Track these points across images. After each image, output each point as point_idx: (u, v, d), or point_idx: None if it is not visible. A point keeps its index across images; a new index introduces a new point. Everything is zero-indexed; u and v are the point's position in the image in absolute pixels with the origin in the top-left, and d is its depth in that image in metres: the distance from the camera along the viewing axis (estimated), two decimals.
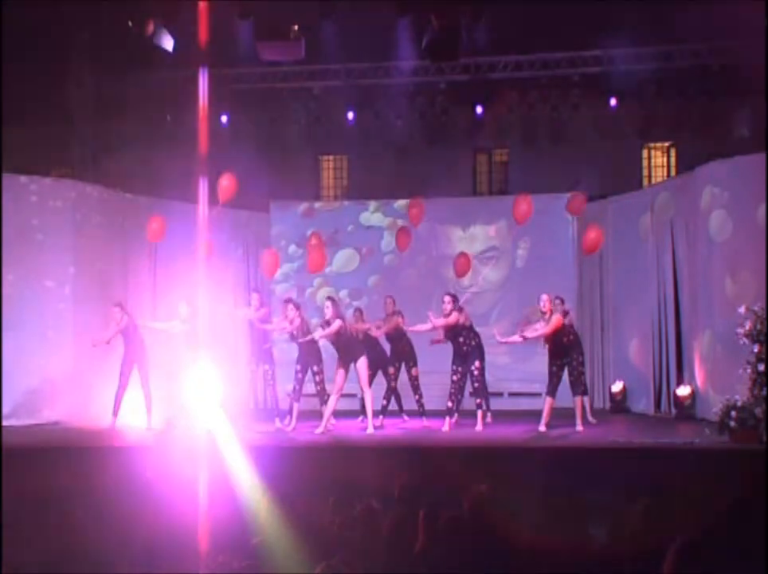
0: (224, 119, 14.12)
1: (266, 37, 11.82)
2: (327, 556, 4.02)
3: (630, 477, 5.27)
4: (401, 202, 14.04)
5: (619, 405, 12.99)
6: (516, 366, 13.89)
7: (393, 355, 11.55)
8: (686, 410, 11.59)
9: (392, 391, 11.56)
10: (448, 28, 11.13)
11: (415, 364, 11.43)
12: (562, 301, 10.93)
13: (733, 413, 8.99)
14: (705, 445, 8.95)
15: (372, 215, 14.71)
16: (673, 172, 14.66)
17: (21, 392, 11.23)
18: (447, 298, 10.64)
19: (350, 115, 14.12)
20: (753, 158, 10.74)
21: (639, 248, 12.97)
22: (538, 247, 13.91)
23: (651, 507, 4.84)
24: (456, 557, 3.97)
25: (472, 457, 8.84)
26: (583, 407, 10.67)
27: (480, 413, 10.64)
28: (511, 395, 13.62)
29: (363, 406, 10.91)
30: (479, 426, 10.51)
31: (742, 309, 9.39)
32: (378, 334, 11.49)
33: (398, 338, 11.46)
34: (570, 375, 10.44)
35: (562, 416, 10.61)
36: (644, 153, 15.01)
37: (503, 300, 14.04)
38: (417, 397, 11.33)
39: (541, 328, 10.33)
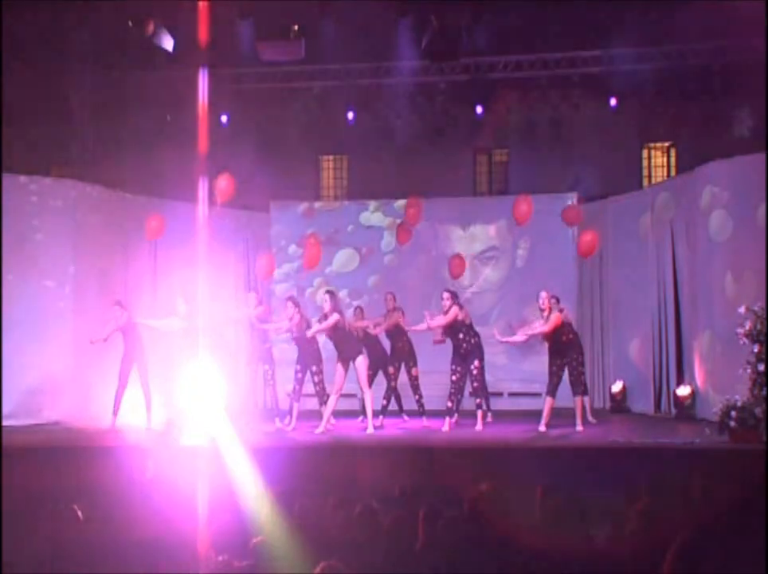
0: (224, 119, 14.11)
1: (266, 37, 11.84)
2: (327, 556, 4.02)
3: (630, 477, 5.27)
4: (401, 202, 14.04)
5: (619, 405, 12.99)
6: (516, 366, 13.89)
7: (393, 354, 11.56)
8: (686, 410, 11.59)
9: (392, 391, 11.56)
10: (448, 28, 11.14)
11: (415, 364, 11.43)
12: (558, 300, 10.90)
13: (733, 413, 8.99)
14: (705, 445, 8.95)
15: (372, 215, 14.71)
16: (673, 172, 14.65)
17: (21, 392, 11.23)
18: (446, 294, 10.63)
19: (350, 115, 14.12)
20: (753, 158, 10.74)
21: (639, 248, 12.97)
22: (538, 247, 13.91)
23: (651, 507, 4.84)
24: (456, 557, 3.97)
25: (472, 457, 8.83)
26: (583, 407, 10.67)
27: (479, 413, 10.64)
28: (511, 395, 13.62)
29: (363, 406, 10.91)
30: (479, 426, 10.51)
31: (742, 309, 9.39)
32: (378, 331, 11.48)
33: (399, 335, 11.45)
34: (570, 375, 10.43)
35: (562, 416, 10.60)
36: (644, 153, 15.00)
37: (503, 300, 14.04)
38: (417, 397, 11.33)
39: (540, 327, 10.33)
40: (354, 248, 14.64)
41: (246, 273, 14.48)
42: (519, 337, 10.67)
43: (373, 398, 10.61)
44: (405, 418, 11.70)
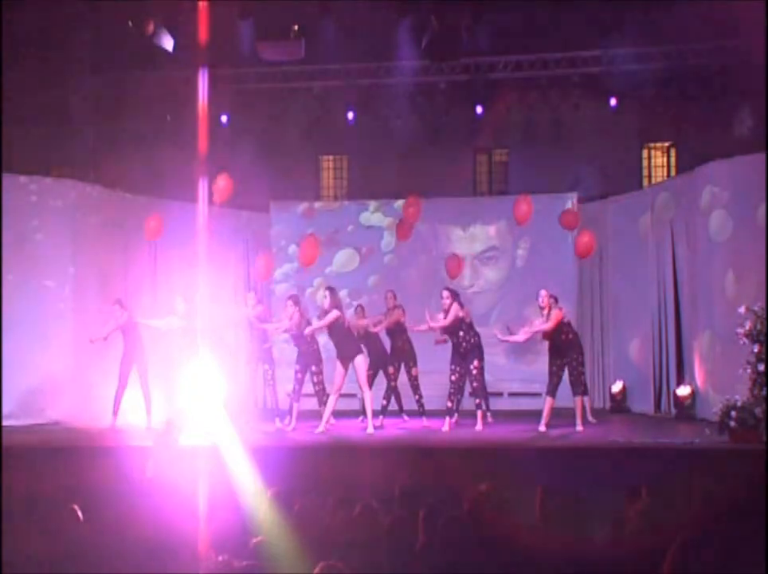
0: (224, 119, 14.11)
1: (266, 37, 11.83)
2: (327, 556, 4.02)
3: (630, 477, 5.27)
4: (401, 202, 14.02)
5: (619, 405, 12.99)
6: (516, 366, 13.89)
7: (393, 353, 11.54)
8: (686, 410, 11.59)
9: (392, 391, 11.56)
10: (448, 28, 11.14)
11: (415, 364, 11.43)
12: (556, 300, 10.88)
13: (733, 413, 8.99)
14: (705, 445, 8.95)
15: (372, 215, 14.70)
16: (673, 172, 14.65)
17: (21, 392, 11.22)
18: (445, 293, 10.61)
19: (350, 115, 14.12)
20: (753, 158, 10.74)
21: (639, 248, 12.97)
22: (538, 247, 13.91)
23: (651, 507, 4.84)
24: (457, 557, 3.97)
25: (472, 457, 8.83)
26: (583, 407, 10.66)
27: (479, 413, 10.64)
28: (511, 395, 13.62)
29: (363, 406, 10.90)
30: (479, 426, 10.50)
31: (742, 309, 9.39)
32: (379, 329, 11.46)
33: (399, 334, 11.43)
34: (570, 375, 10.43)
35: (562, 416, 10.60)
36: (644, 153, 15.00)
37: (503, 300, 14.04)
38: (416, 397, 11.33)
39: (541, 324, 10.31)
40: (354, 248, 14.63)
41: (246, 274, 14.48)
42: (520, 337, 10.67)
43: (372, 398, 10.61)
44: (405, 418, 11.70)
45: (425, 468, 8.46)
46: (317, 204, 15.13)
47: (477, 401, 10.71)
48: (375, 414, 10.89)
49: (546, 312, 10.33)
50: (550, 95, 13.78)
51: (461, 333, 10.55)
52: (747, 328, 9.24)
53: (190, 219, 12.14)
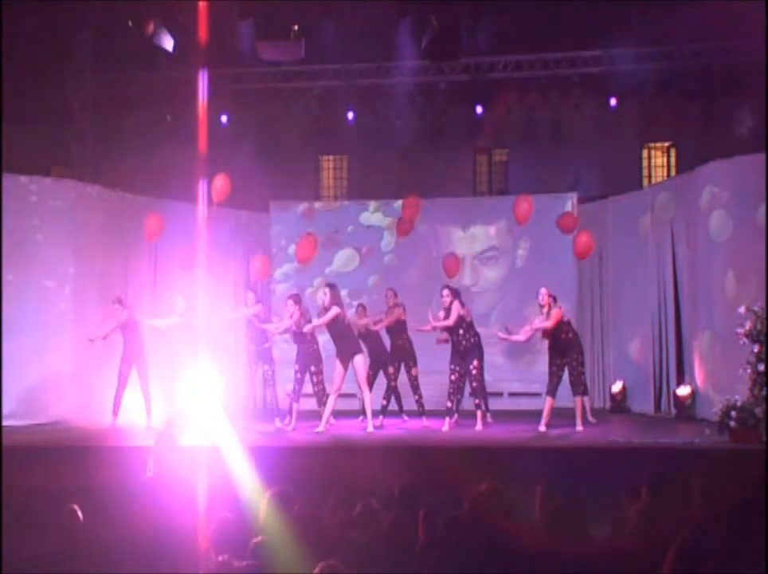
0: (224, 119, 14.12)
1: (266, 37, 11.83)
2: (327, 556, 4.02)
3: (630, 477, 5.27)
4: (401, 202, 14.03)
5: (619, 405, 12.99)
6: (516, 366, 13.89)
7: (393, 352, 11.52)
8: (686, 410, 11.59)
9: (392, 391, 11.55)
10: (448, 28, 11.14)
11: (415, 364, 11.42)
12: (555, 299, 10.88)
13: (733, 413, 8.99)
14: (705, 445, 8.95)
15: (372, 215, 14.70)
16: (673, 172, 14.66)
17: (21, 392, 11.22)
18: (445, 292, 10.60)
19: (350, 115, 14.12)
20: (753, 158, 10.74)
21: (639, 248, 12.97)
22: (538, 247, 13.90)
23: (651, 507, 4.84)
24: (456, 557, 3.97)
25: (472, 457, 8.83)
26: (583, 407, 10.66)
27: (479, 413, 10.63)
28: (511, 395, 13.62)
29: (363, 406, 10.90)
30: (479, 426, 10.50)
31: (742, 309, 9.39)
32: (380, 327, 11.44)
33: (399, 333, 11.40)
34: (570, 375, 10.42)
35: (562, 416, 10.60)
36: (644, 153, 15.01)
37: (503, 300, 14.04)
38: (416, 397, 11.32)
39: (542, 322, 10.29)
40: (354, 248, 14.63)
41: (246, 273, 14.46)
42: (521, 336, 10.66)
43: (372, 397, 10.61)
44: (405, 418, 11.70)
45: (425, 468, 8.45)
46: (317, 204, 15.14)
47: (477, 401, 10.71)
48: (375, 414, 10.89)
49: (545, 310, 10.33)
50: (550, 95, 13.78)
51: (461, 331, 10.54)
52: (747, 328, 9.24)
53: (190, 219, 12.17)
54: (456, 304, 10.46)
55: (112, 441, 9.81)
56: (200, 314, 10.74)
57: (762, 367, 9.09)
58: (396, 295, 11.62)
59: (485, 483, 4.70)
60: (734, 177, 11.04)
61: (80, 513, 4.73)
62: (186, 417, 10.31)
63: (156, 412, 10.89)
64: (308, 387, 11.00)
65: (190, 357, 10.63)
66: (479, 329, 11.09)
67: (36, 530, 4.84)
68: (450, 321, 10.43)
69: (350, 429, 10.95)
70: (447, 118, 14.15)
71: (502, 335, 10.80)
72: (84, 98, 13.73)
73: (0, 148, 12.03)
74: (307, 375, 10.84)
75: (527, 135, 14.19)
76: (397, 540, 4.36)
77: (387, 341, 11.71)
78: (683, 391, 11.73)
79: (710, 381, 11.20)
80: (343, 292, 14.04)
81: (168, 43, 11.87)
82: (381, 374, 11.62)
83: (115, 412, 10.85)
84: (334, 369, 10.41)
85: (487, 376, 11.71)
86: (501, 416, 11.75)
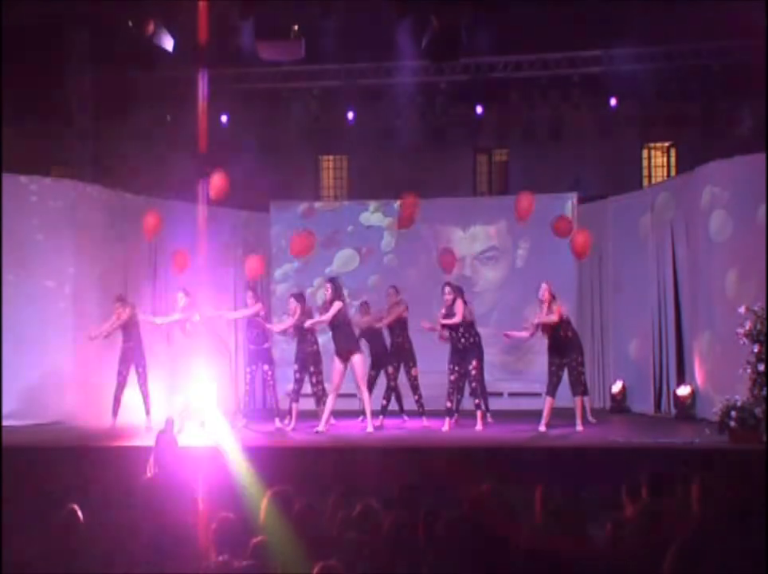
0: (224, 119, 14.11)
1: (266, 37, 11.82)
2: (326, 556, 4.02)
3: (630, 477, 5.27)
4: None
5: (619, 405, 12.99)
6: (516, 366, 13.89)
7: (393, 353, 11.50)
8: (686, 410, 11.59)
9: (391, 391, 11.55)
10: (448, 28, 11.12)
11: (414, 364, 11.40)
12: (554, 297, 10.86)
13: (733, 413, 8.99)
14: (705, 445, 8.95)
15: (372, 215, 14.70)
16: (673, 172, 14.66)
17: (21, 392, 11.22)
18: (447, 289, 10.58)
19: (350, 115, 14.12)
20: (753, 158, 10.74)
21: (639, 248, 12.97)
22: (538, 247, 13.90)
23: (651, 507, 4.84)
24: (456, 557, 3.97)
25: (472, 457, 8.84)
26: (583, 407, 10.66)
27: (479, 413, 10.63)
28: (511, 395, 13.62)
29: (363, 406, 10.89)
30: (479, 426, 10.50)
31: (742, 309, 9.39)
32: (382, 324, 11.41)
33: (400, 330, 11.37)
34: (570, 375, 10.41)
35: (562, 416, 10.60)
36: (644, 153, 15.01)
37: (503, 300, 14.04)
38: (416, 397, 11.30)
39: (546, 316, 10.24)
40: (354, 248, 14.63)
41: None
42: (525, 333, 10.65)
43: (370, 397, 10.61)
44: (405, 418, 11.69)
45: (425, 468, 8.46)
46: (317, 204, 15.14)
47: (477, 401, 10.71)
48: (375, 414, 10.89)
49: (545, 305, 10.31)
50: (550, 95, 13.78)
51: (461, 330, 10.52)
52: (747, 328, 9.24)
53: (190, 219, 12.17)
54: (459, 301, 10.46)
55: (112, 441, 9.81)
56: (200, 313, 10.75)
57: (762, 367, 9.09)
58: (398, 292, 11.58)
59: (485, 483, 4.69)
60: (734, 177, 11.04)
61: (80, 513, 4.73)
62: (186, 417, 10.34)
63: (156, 412, 10.88)
64: (308, 388, 11.00)
65: (190, 357, 10.64)
66: (479, 329, 11.09)
67: (37, 530, 4.84)
68: (458, 318, 10.42)
69: (350, 429, 10.96)
70: (447, 118, 14.15)
71: (508, 333, 10.77)
72: (84, 98, 13.73)
73: (0, 148, 12.03)
74: (307, 376, 10.84)
75: (527, 135, 14.19)
76: (397, 540, 4.36)
77: (388, 340, 11.69)
78: (683, 391, 11.73)
79: (710, 381, 11.20)
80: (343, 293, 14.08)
81: (168, 43, 11.86)
82: (382, 373, 11.61)
83: (115, 412, 10.85)
84: (331, 366, 10.40)
85: (487, 376, 11.71)
86: (501, 416, 11.75)
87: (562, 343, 10.37)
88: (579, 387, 10.50)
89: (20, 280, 11.53)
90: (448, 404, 10.68)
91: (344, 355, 10.24)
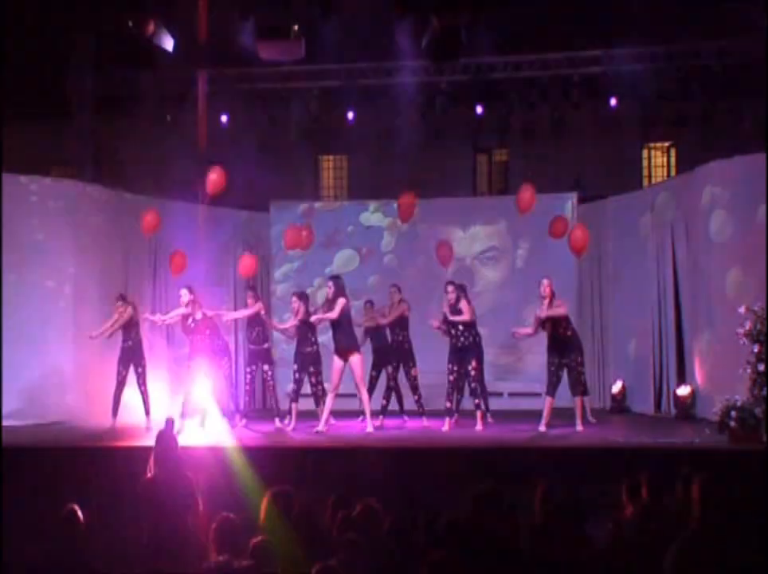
0: (224, 119, 14.12)
1: (266, 37, 11.82)
2: (326, 556, 4.02)
3: (630, 477, 5.27)
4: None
5: (619, 405, 12.98)
6: (516, 366, 13.89)
7: (393, 353, 11.48)
8: (686, 410, 11.58)
9: (391, 391, 11.54)
10: (448, 28, 11.12)
11: (414, 364, 11.39)
12: (554, 294, 10.84)
13: (733, 413, 8.98)
14: (705, 445, 8.95)
15: (372, 215, 14.70)
16: (673, 172, 14.66)
17: (21, 392, 11.22)
18: (450, 287, 10.54)
19: (350, 115, 14.12)
20: (753, 158, 10.74)
21: (639, 248, 12.97)
22: (538, 247, 13.89)
23: (651, 507, 4.84)
24: (457, 557, 3.97)
25: (472, 457, 8.83)
26: (583, 407, 10.66)
27: (479, 413, 10.63)
28: (511, 395, 13.61)
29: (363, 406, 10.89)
30: (479, 426, 10.50)
31: (742, 309, 9.38)
32: (386, 322, 11.39)
33: (401, 329, 11.35)
34: (570, 375, 10.39)
35: (562, 416, 10.60)
36: (644, 153, 15.01)
37: (503, 300, 14.03)
38: (416, 397, 11.30)
39: (553, 309, 10.21)
40: (354, 248, 14.63)
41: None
42: (529, 329, 10.63)
43: (369, 397, 10.60)
44: (406, 418, 11.68)
45: (425, 468, 8.46)
46: (317, 204, 15.13)
47: (477, 401, 10.70)
48: (375, 414, 10.89)
49: (547, 301, 10.29)
50: (550, 95, 13.78)
51: (461, 328, 10.49)
52: (747, 328, 9.24)
53: (190, 219, 12.17)
54: (464, 301, 10.45)
55: (112, 441, 9.81)
56: (203, 312, 10.74)
57: (762, 367, 9.09)
58: (400, 291, 11.56)
59: (485, 483, 4.70)
60: (734, 177, 11.04)
61: (80, 513, 4.73)
62: (186, 417, 10.33)
63: (156, 412, 10.87)
64: (308, 388, 11.00)
65: (190, 357, 10.63)
66: (479, 329, 11.08)
67: (36, 530, 4.84)
68: (466, 317, 10.40)
69: (350, 429, 10.95)
70: (447, 118, 14.15)
71: (516, 330, 10.76)
72: (83, 98, 13.74)
73: (0, 148, 12.03)
74: (306, 376, 10.83)
75: (527, 135, 14.19)
76: (397, 540, 4.36)
77: (390, 339, 11.67)
78: (683, 391, 11.72)
79: (710, 381, 11.20)
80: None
81: (168, 43, 11.86)
82: (383, 373, 11.61)
83: (115, 412, 10.84)
84: (331, 365, 10.39)
85: (487, 376, 11.70)
86: (501, 416, 11.74)
87: (562, 342, 10.35)
88: (579, 388, 10.49)
89: (20, 280, 11.52)
90: (448, 404, 10.68)
91: (343, 354, 10.23)
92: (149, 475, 5.57)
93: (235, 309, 12.76)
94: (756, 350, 9.16)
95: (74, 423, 11.12)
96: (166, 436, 5.81)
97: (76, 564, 4.38)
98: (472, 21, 11.62)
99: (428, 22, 11.34)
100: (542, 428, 10.21)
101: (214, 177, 10.86)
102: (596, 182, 14.26)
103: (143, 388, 10.95)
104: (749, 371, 9.20)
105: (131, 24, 11.67)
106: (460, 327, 10.48)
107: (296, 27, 11.92)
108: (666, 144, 14.87)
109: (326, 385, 10.84)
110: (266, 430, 10.83)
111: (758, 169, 10.47)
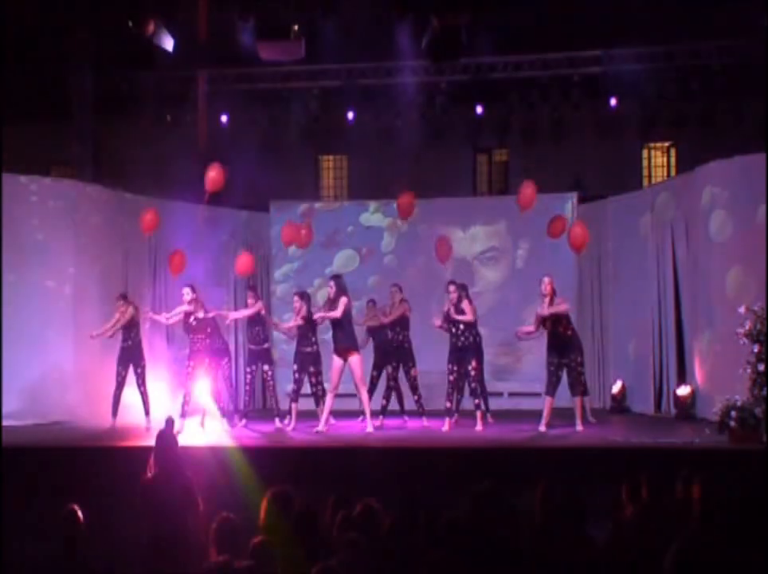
0: (224, 119, 14.12)
1: (266, 37, 11.83)
2: (326, 556, 4.02)
3: (630, 477, 5.27)
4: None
5: (619, 405, 12.98)
6: (516, 366, 13.89)
7: (393, 352, 11.47)
8: (686, 410, 11.58)
9: (391, 391, 11.54)
10: (448, 28, 11.13)
11: (414, 365, 11.38)
12: (554, 292, 10.82)
13: (733, 413, 8.98)
14: (705, 445, 8.95)
15: (372, 215, 14.69)
16: (673, 172, 14.67)
17: (21, 392, 11.22)
18: (452, 287, 10.53)
19: (350, 115, 14.12)
20: (753, 158, 10.74)
21: (639, 248, 12.97)
22: (538, 247, 13.88)
23: (651, 507, 4.84)
24: (457, 557, 3.97)
25: (472, 457, 8.83)
26: (583, 407, 10.66)
27: (479, 413, 10.63)
28: (511, 395, 13.61)
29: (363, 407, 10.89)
30: (479, 426, 10.49)
31: (742, 309, 9.38)
32: (387, 321, 11.39)
33: (402, 329, 11.34)
34: (569, 375, 10.39)
35: (562, 416, 10.60)
36: (644, 153, 15.02)
37: (503, 301, 14.03)
38: (416, 397, 11.30)
39: (555, 306, 10.21)
40: (354, 248, 14.62)
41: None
42: (531, 327, 10.63)
43: (370, 397, 10.60)
44: (406, 418, 11.67)
45: (426, 468, 8.46)
46: (317, 204, 15.13)
47: (477, 401, 10.70)
48: (375, 414, 10.89)
49: (548, 299, 10.29)
50: (550, 95, 13.79)
51: (462, 327, 10.48)
52: (747, 328, 9.23)
53: (189, 219, 12.17)
54: (466, 301, 10.45)
55: (112, 441, 9.81)
56: (205, 311, 10.73)
57: (762, 367, 9.08)
58: (401, 290, 11.55)
59: (485, 483, 4.70)
60: (734, 177, 11.03)
61: (80, 513, 4.73)
62: (186, 416, 10.33)
63: (156, 412, 10.87)
64: (308, 388, 11.00)
65: (190, 357, 10.63)
66: (479, 329, 11.07)
67: (36, 530, 4.84)
68: (469, 317, 10.40)
69: (350, 429, 10.95)
70: (447, 118, 14.16)
71: (519, 329, 10.76)
72: (83, 98, 13.74)
73: (0, 148, 12.03)
74: (306, 376, 10.83)
75: (527, 135, 14.19)
76: (397, 540, 4.36)
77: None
78: (683, 391, 11.72)
79: (710, 381, 11.20)
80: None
81: (168, 43, 11.87)
82: (384, 373, 11.61)
83: (114, 412, 10.84)
84: (330, 367, 10.39)
85: (487, 376, 11.70)
86: (501, 416, 11.75)
87: (562, 341, 10.35)
88: (578, 388, 10.49)
89: (20, 280, 11.52)
90: (448, 404, 10.68)
91: (342, 354, 10.24)
92: (149, 475, 5.57)
93: (235, 309, 12.75)
94: (756, 350, 9.16)
95: (74, 423, 11.12)
96: (166, 436, 5.80)
97: (76, 564, 4.38)
98: (472, 21, 11.63)
99: (428, 22, 11.35)
100: (542, 428, 10.21)
101: (213, 174, 10.84)
102: (596, 182, 14.27)
103: (142, 388, 10.95)
104: (749, 371, 9.19)
105: (131, 24, 11.68)
106: (461, 326, 10.46)
107: (296, 27, 11.94)
108: (666, 144, 14.88)
109: (326, 385, 10.84)
110: (266, 430, 10.83)
111: (758, 169, 10.47)
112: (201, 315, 10.57)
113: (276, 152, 14.35)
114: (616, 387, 13.09)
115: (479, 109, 13.86)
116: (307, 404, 11.23)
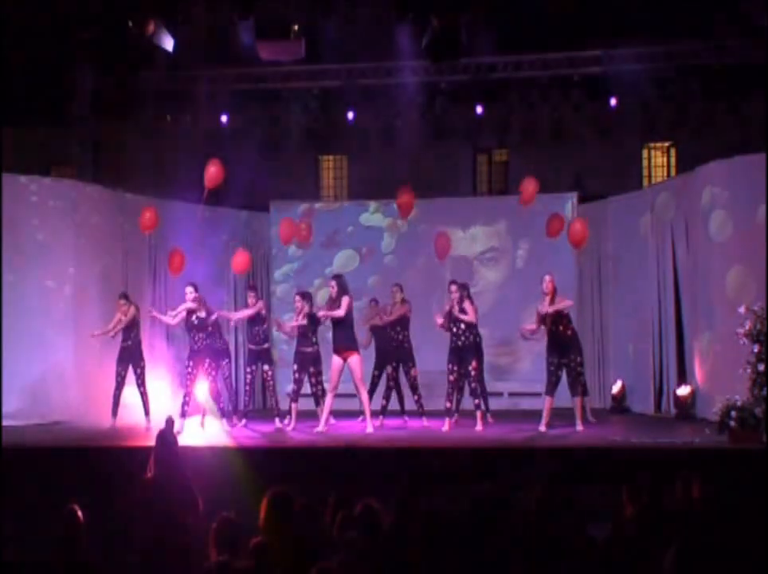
0: (224, 119, 14.12)
1: (266, 37, 11.82)
2: (326, 556, 4.02)
3: (629, 477, 5.28)
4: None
5: (619, 405, 12.98)
6: (516, 366, 13.88)
7: (393, 352, 11.47)
8: (686, 410, 11.58)
9: (391, 390, 11.54)
10: (448, 28, 11.13)
11: (414, 365, 11.38)
12: (556, 290, 10.81)
13: (733, 413, 8.98)
14: (705, 445, 8.95)
15: (372, 215, 14.69)
16: (673, 172, 14.65)
17: (21, 392, 11.22)
18: (453, 287, 10.51)
19: (350, 115, 14.11)
20: (753, 158, 10.74)
21: (639, 248, 12.97)
22: (538, 247, 13.88)
23: (651, 506, 4.84)
24: (456, 558, 3.97)
25: (472, 457, 8.83)
26: (583, 407, 10.66)
27: (479, 413, 10.62)
28: (511, 395, 13.61)
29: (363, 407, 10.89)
30: (479, 426, 10.49)
31: (742, 309, 9.38)
32: (387, 320, 11.38)
33: (402, 329, 11.34)
34: (569, 376, 10.38)
35: (562, 416, 10.60)
36: (644, 153, 15.01)
37: (503, 301, 14.03)
38: (416, 397, 11.29)
39: (559, 303, 10.20)
40: (354, 248, 14.62)
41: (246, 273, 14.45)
42: (532, 325, 10.62)
43: (368, 397, 10.60)
44: (406, 418, 11.67)
45: (425, 468, 8.46)
46: (317, 204, 15.12)
47: (477, 401, 10.69)
48: (375, 414, 10.88)
49: (548, 298, 10.29)
50: (550, 95, 13.78)
51: (462, 327, 10.48)
52: (747, 328, 9.23)
53: (189, 219, 12.17)
54: (467, 301, 10.45)
55: (112, 441, 9.81)
56: (207, 310, 10.73)
57: (762, 367, 9.08)
58: (402, 290, 11.55)
59: (486, 483, 4.70)
60: (734, 177, 11.04)
61: (80, 513, 4.73)
62: (186, 416, 10.33)
63: (156, 412, 10.87)
64: (307, 388, 11.00)
65: (190, 357, 10.63)
66: (479, 329, 11.07)
67: (36, 530, 4.84)
68: (471, 317, 10.39)
69: (350, 429, 10.95)
70: (447, 118, 14.15)
71: (522, 328, 10.75)
72: (84, 98, 13.73)
73: (0, 148, 12.03)
74: (306, 376, 10.83)
75: (527, 135, 14.19)
76: (397, 540, 4.36)
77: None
78: (683, 391, 11.72)
79: (710, 381, 11.20)
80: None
81: (168, 43, 11.86)
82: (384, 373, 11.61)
83: (114, 412, 10.84)
84: (330, 367, 10.39)
85: (487, 376, 11.69)
86: (501, 416, 11.75)
87: (562, 341, 10.34)
88: (578, 388, 10.48)
89: (20, 280, 11.52)
90: (448, 404, 10.67)
91: (342, 354, 10.24)
92: (149, 475, 5.58)
93: (235, 309, 12.76)
94: (756, 350, 9.16)
95: (74, 423, 11.11)
96: (166, 436, 5.81)
97: (76, 564, 4.38)
98: (472, 21, 11.63)
99: (428, 22, 11.35)
100: (542, 428, 10.21)
101: (213, 170, 10.84)
102: (596, 182, 14.26)
103: (142, 388, 10.95)
104: (749, 371, 9.19)
105: (131, 24, 11.67)
106: (462, 326, 10.46)
107: (296, 27, 11.93)
108: (666, 144, 14.87)
109: (326, 385, 10.84)
110: (266, 430, 10.83)
111: (758, 169, 10.47)
112: (203, 314, 10.56)
113: (275, 152, 14.35)
114: (616, 387, 13.09)
115: (479, 109, 13.84)
116: (307, 404, 11.23)
